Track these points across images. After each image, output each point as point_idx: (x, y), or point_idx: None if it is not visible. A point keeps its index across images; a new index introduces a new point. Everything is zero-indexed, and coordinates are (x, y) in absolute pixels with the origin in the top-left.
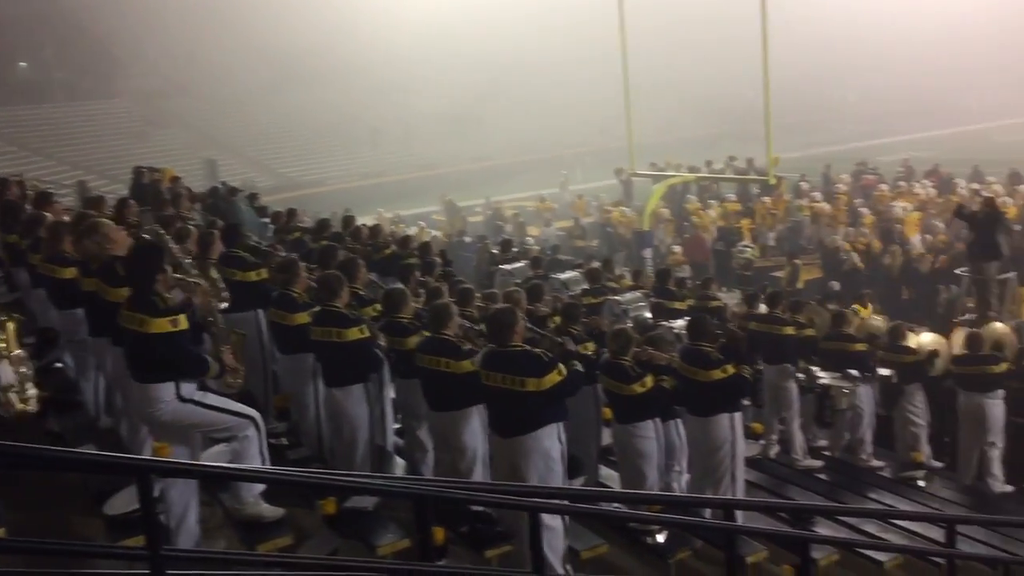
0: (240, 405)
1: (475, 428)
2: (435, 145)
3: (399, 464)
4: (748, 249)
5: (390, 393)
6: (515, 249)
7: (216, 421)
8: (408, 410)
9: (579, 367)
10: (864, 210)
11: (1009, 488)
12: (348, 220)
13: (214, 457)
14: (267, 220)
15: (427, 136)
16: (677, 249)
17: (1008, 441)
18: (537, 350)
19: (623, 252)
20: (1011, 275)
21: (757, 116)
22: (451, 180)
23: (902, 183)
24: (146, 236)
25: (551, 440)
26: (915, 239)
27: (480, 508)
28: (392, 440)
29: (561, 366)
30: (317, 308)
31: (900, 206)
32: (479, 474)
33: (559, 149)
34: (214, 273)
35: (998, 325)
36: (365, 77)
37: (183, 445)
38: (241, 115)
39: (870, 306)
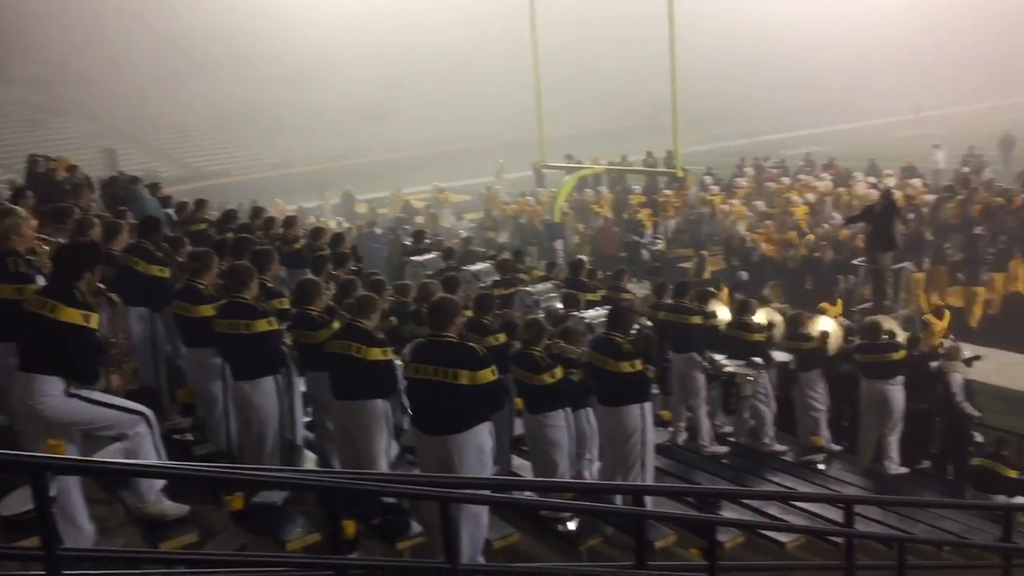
0: (128, 401)
1: (379, 419)
2: (345, 136)
3: (309, 458)
4: (659, 240)
5: (300, 386)
6: (427, 241)
7: (100, 418)
8: (319, 403)
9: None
10: (759, 203)
11: (904, 470)
12: (257, 211)
13: (107, 457)
14: (170, 211)
15: (336, 127)
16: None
17: (903, 425)
18: (472, 344)
19: (536, 245)
20: (905, 265)
21: (666, 110)
22: (362, 171)
23: (801, 176)
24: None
25: (484, 435)
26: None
27: (391, 500)
28: (302, 434)
29: (495, 367)
30: (223, 300)
31: (794, 199)
32: (382, 467)
33: (471, 141)
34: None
35: (890, 314)
36: (273, 66)
37: (66, 444)
38: (143, 103)
39: (840, 303)
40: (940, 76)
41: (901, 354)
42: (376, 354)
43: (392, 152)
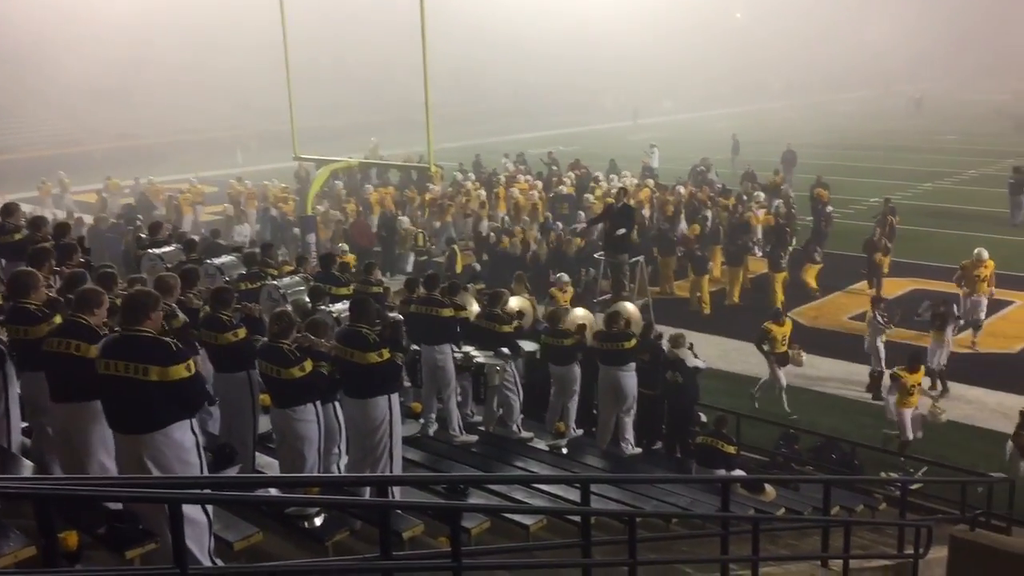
0: None
1: (103, 421)
2: (79, 120)
3: (27, 467)
4: (420, 235)
5: (15, 388)
6: (168, 232)
7: None
8: (36, 406)
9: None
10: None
11: (638, 451)
12: None
13: None
14: None
15: (70, 110)
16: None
17: (637, 408)
18: (167, 339)
19: (302, 238)
20: (640, 259)
21: (418, 107)
22: (97, 158)
23: (525, 176)
24: None
25: (183, 432)
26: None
27: (118, 507)
28: (19, 440)
29: (191, 361)
30: None
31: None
32: (108, 472)
33: (219, 131)
34: None
35: (628, 305)
36: None
37: None
38: None
39: (571, 290)
40: (678, 85)
41: (632, 343)
42: (97, 351)
43: (132, 139)
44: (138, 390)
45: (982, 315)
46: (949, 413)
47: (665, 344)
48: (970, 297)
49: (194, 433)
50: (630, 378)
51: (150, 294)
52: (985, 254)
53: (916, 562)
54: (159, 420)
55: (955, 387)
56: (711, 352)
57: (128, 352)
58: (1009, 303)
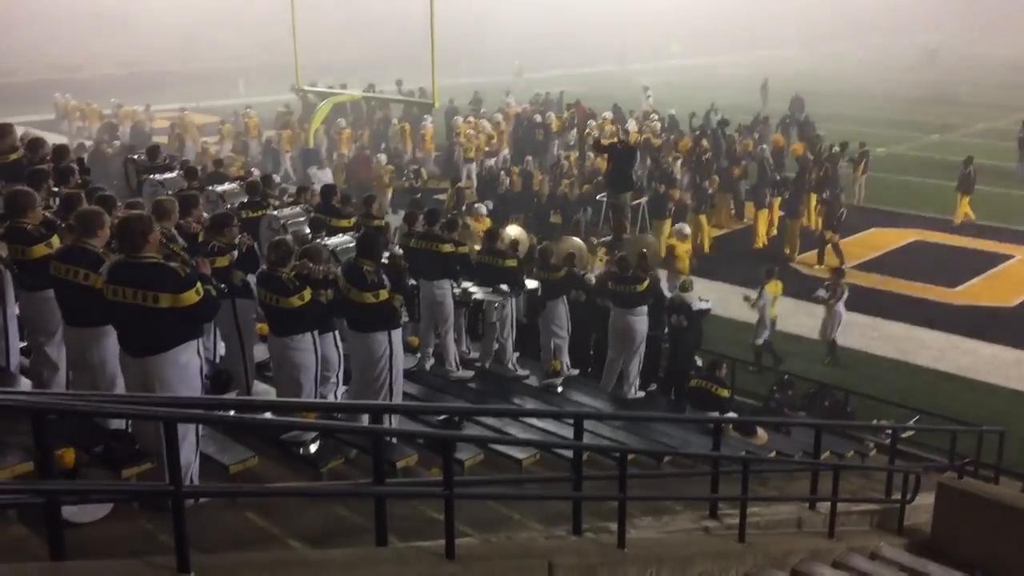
0: None
1: (112, 344)
2: (74, 45)
3: (25, 385)
4: (422, 171)
5: (14, 308)
6: (165, 159)
7: None
8: (35, 326)
9: (213, 291)
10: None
11: (642, 394)
12: None
13: None
14: None
15: (62, 34)
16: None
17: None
18: (174, 264)
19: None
20: (642, 200)
21: (419, 43)
22: (95, 85)
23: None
24: None
25: (188, 354)
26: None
27: (117, 427)
28: (17, 360)
29: (199, 285)
30: None
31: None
32: (119, 389)
33: (220, 61)
34: None
35: (646, 238)
36: None
37: None
38: None
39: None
40: (686, 29)
41: (646, 285)
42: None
43: (131, 66)
44: (147, 316)
45: None
46: (945, 364)
47: (667, 288)
48: None
49: (199, 356)
50: (641, 322)
51: (141, 218)
52: None
53: (903, 507)
54: (167, 343)
55: (952, 339)
56: (710, 297)
57: (135, 279)
58: (1010, 257)
